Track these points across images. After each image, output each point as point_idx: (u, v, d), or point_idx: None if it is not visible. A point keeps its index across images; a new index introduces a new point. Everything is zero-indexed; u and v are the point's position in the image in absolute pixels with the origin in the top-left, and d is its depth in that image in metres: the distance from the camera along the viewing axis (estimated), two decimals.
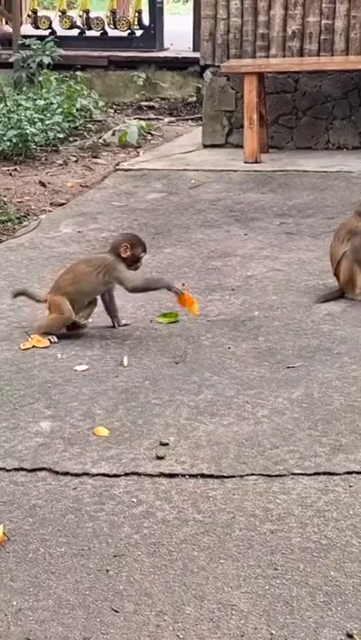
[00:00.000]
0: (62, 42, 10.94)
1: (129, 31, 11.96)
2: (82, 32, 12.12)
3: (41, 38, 10.81)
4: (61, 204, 6.67)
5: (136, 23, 12.04)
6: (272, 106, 7.93)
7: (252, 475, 3.00)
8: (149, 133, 9.19)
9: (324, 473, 2.99)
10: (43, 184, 7.20)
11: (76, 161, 8.09)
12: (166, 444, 3.18)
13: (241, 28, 7.91)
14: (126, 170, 7.51)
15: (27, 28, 12.15)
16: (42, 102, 8.90)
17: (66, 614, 2.38)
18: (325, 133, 7.95)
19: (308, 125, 7.97)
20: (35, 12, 12.46)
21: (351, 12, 7.64)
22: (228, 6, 7.91)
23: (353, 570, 2.51)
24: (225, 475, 3.00)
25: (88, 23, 12.15)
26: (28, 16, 12.93)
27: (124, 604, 2.41)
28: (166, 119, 10.15)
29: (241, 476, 2.99)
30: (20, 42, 10.84)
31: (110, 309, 4.29)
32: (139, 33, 11.91)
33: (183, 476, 3.00)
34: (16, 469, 3.04)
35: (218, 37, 7.99)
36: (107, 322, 4.30)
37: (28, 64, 10.32)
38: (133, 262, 4.21)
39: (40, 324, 4.23)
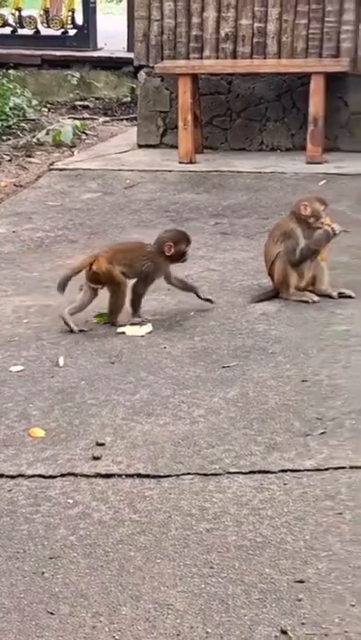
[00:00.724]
0: None
1: (62, 30, 11.89)
2: (14, 30, 12.02)
3: None
4: None
5: (69, 22, 11.98)
6: (206, 107, 7.97)
7: (189, 474, 3.01)
8: (84, 133, 9.16)
9: (260, 471, 3.02)
10: None
11: (10, 160, 8.02)
12: (102, 445, 3.18)
13: (175, 30, 7.93)
14: (61, 169, 7.47)
15: None
16: None
17: (0, 618, 2.36)
18: (259, 135, 8.02)
19: (241, 127, 8.02)
20: None
21: (283, 16, 7.71)
22: (162, 8, 7.92)
23: (287, 567, 2.54)
24: (161, 474, 3.01)
25: (20, 21, 12.04)
26: None
27: (59, 606, 2.40)
28: (101, 119, 10.13)
29: (177, 476, 3.00)
30: None
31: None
32: (72, 32, 11.85)
33: (120, 476, 3.00)
34: None
35: (152, 38, 8.00)
36: (42, 322, 4.28)
37: None
38: (180, 258, 4.34)
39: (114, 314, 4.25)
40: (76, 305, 4.24)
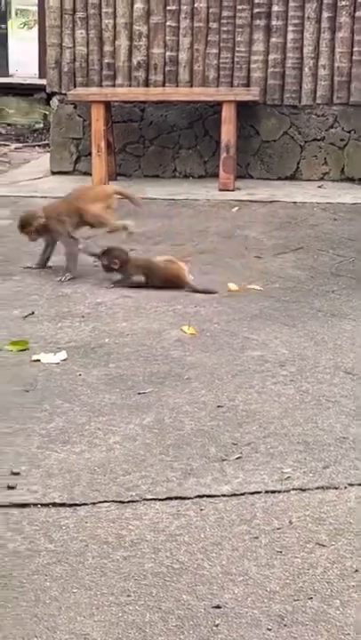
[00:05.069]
0: None
1: None
2: None
3: None
4: None
5: None
6: (119, 134, 8.01)
7: (105, 502, 2.99)
8: None
9: (176, 497, 3.02)
10: None
11: None
12: (17, 474, 3.14)
13: (87, 57, 7.97)
14: None
15: None
16: None
17: None
18: (172, 162, 8.09)
19: (155, 154, 8.08)
20: None
21: (195, 46, 7.82)
22: (74, 35, 7.95)
23: (204, 592, 2.54)
24: (77, 503, 2.98)
25: None
26: None
27: None
28: (13, 145, 10.07)
29: (93, 504, 2.98)
30: None
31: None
32: None
33: (35, 505, 2.97)
34: None
35: (64, 65, 8.01)
36: None
37: None
38: None
39: None
40: None
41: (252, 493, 3.04)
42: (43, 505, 2.97)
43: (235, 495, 3.03)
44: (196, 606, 2.48)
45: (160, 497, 3.02)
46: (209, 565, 2.66)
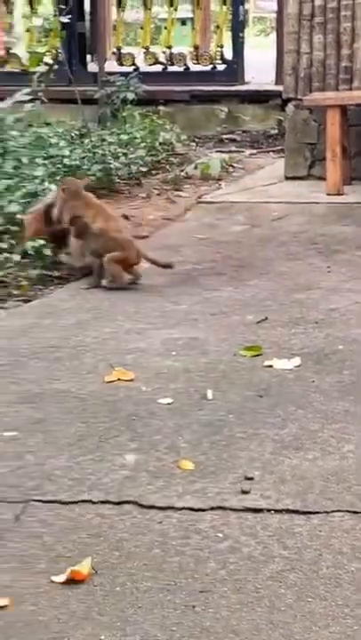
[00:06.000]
0: (145, 77, 11.10)
1: (211, 66, 12.09)
2: (165, 68, 12.30)
3: (125, 74, 10.98)
4: (144, 237, 6.72)
5: (218, 58, 12.17)
6: (355, 138, 7.91)
7: (339, 511, 2.95)
8: (231, 166, 9.24)
9: None
10: (126, 217, 7.26)
11: (159, 194, 8.17)
12: (251, 479, 3.16)
13: (323, 62, 7.92)
14: (209, 202, 7.55)
15: (111, 65, 12.37)
16: (125, 137, 9.04)
17: None
18: None
19: None
20: (119, 49, 12.70)
21: None
22: (311, 40, 7.93)
23: None
24: (311, 510, 2.97)
25: (171, 59, 12.32)
26: (113, 53, 13.19)
27: None
28: (247, 151, 10.20)
29: (327, 513, 2.95)
30: (104, 78, 11.02)
31: None
32: (221, 67, 12.03)
33: (268, 511, 2.98)
34: (102, 502, 3.06)
35: (300, 71, 8.02)
36: (189, 354, 4.32)
37: (112, 100, 10.48)
38: None
39: None
40: None
41: None
42: (276, 511, 2.97)
43: None
44: None
45: None
46: None
